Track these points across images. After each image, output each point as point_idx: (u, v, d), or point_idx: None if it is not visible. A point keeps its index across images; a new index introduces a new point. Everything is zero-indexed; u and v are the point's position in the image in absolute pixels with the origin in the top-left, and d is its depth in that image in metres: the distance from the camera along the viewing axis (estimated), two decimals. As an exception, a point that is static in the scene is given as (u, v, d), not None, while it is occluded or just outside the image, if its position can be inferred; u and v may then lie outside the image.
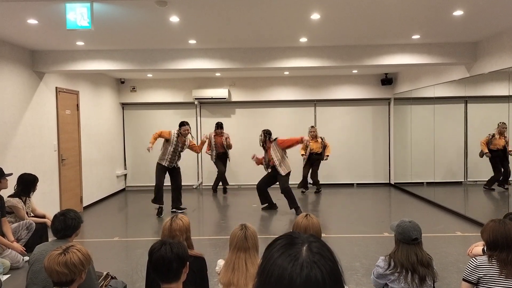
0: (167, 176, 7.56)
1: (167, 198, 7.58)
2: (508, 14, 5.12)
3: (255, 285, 0.92)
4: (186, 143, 7.50)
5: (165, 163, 7.40)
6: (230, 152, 9.36)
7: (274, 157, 7.35)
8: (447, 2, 4.59)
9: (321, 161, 9.20)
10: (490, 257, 2.69)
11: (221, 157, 9.23)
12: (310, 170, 9.23)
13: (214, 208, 7.79)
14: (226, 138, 9.17)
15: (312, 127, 9.33)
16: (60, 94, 7.49)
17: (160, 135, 7.40)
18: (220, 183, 9.37)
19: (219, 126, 9.21)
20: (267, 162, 7.54)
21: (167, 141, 7.40)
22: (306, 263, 0.86)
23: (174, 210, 7.52)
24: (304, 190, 9.41)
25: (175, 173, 7.58)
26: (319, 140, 9.16)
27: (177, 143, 7.40)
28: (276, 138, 7.46)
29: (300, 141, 7.32)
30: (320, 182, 9.41)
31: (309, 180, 9.31)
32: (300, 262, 0.87)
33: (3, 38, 5.93)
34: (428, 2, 4.58)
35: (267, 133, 7.51)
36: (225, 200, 8.99)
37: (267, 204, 7.75)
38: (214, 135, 9.19)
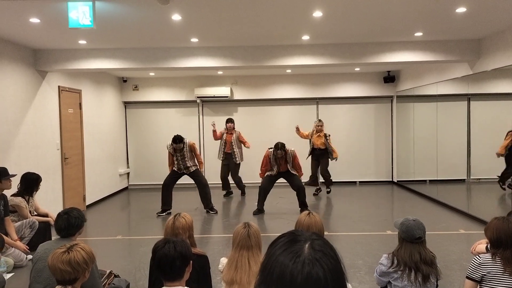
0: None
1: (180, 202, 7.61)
2: (511, 11, 5.09)
3: (257, 282, 0.92)
4: (184, 152, 7.37)
5: (175, 168, 7.49)
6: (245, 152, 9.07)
7: (288, 166, 7.32)
8: (450, -1, 4.57)
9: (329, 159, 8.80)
10: (493, 255, 2.68)
11: (227, 158, 8.88)
12: (319, 167, 8.88)
13: (217, 206, 7.79)
14: (237, 136, 8.83)
15: (319, 120, 8.88)
16: (62, 93, 7.51)
17: (170, 158, 7.50)
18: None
19: (229, 121, 8.85)
20: (277, 169, 7.38)
21: (171, 152, 7.47)
22: (308, 261, 0.86)
23: (207, 210, 7.60)
24: (316, 192, 9.04)
25: (194, 177, 7.55)
26: (322, 135, 8.69)
27: (175, 153, 7.39)
28: (291, 149, 7.34)
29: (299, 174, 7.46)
30: (332, 180, 9.00)
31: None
32: (301, 260, 0.86)
33: (6, 37, 5.95)
34: (431, -1, 4.56)
35: (283, 147, 7.20)
36: (228, 198, 8.99)
37: (260, 207, 7.52)
38: (226, 133, 8.82)
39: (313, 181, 8.98)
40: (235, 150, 8.75)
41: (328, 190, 9.06)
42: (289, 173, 7.38)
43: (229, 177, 9.04)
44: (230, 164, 8.85)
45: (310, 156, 8.91)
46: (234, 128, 8.88)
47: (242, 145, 8.88)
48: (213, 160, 10.40)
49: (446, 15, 5.23)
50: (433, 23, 5.66)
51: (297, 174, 7.39)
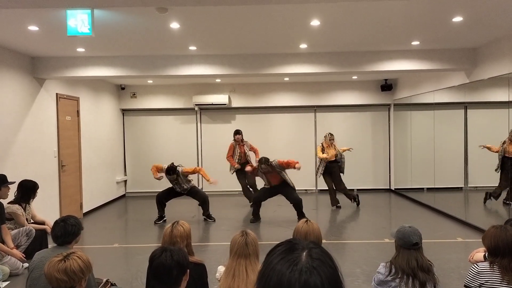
0: None
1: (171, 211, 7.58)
2: (507, 20, 5.13)
3: (255, 290, 0.92)
4: (179, 179, 7.36)
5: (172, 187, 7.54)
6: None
7: (282, 176, 7.27)
8: (446, 8, 4.61)
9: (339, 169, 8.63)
10: (491, 264, 2.67)
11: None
12: (333, 182, 8.63)
13: (215, 214, 7.77)
14: (250, 148, 8.80)
15: (330, 134, 8.63)
16: (60, 100, 7.51)
17: (157, 169, 7.53)
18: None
19: (237, 132, 8.75)
20: (269, 183, 7.41)
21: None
22: (305, 269, 0.86)
23: (204, 218, 7.63)
24: (338, 205, 8.66)
25: (193, 195, 7.61)
26: (334, 148, 8.55)
27: (171, 178, 7.39)
28: (274, 160, 7.29)
29: (294, 166, 7.20)
30: (349, 190, 8.76)
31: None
32: (299, 268, 0.86)
33: (4, 44, 5.95)
34: (428, 8, 4.60)
35: (267, 162, 7.21)
36: (225, 206, 8.95)
37: (254, 216, 7.49)
38: (238, 145, 8.69)
39: (334, 199, 8.66)
40: (249, 159, 8.73)
41: (357, 202, 8.75)
42: (285, 186, 7.29)
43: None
44: (247, 173, 8.72)
45: (322, 173, 8.60)
46: (242, 139, 8.76)
47: (254, 153, 8.85)
48: (210, 168, 10.38)
49: (442, 24, 5.27)
50: (430, 32, 5.70)
51: (292, 186, 7.31)
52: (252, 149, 8.91)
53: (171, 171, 7.24)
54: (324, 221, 7.54)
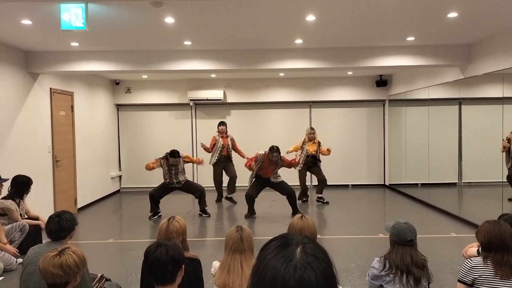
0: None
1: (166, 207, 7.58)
2: (501, 16, 5.15)
3: (249, 286, 0.92)
4: (178, 163, 7.41)
5: (166, 181, 7.46)
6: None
7: (273, 174, 7.33)
8: (441, 4, 4.61)
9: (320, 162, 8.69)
10: (485, 258, 2.69)
11: (225, 160, 8.72)
12: (310, 174, 8.78)
13: (210, 210, 7.77)
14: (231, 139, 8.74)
15: (311, 128, 8.75)
16: (54, 95, 7.46)
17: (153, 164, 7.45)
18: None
19: (221, 124, 8.74)
20: (256, 172, 7.40)
21: (161, 165, 7.43)
22: (299, 264, 0.86)
23: (199, 213, 7.62)
24: (305, 198, 8.75)
25: (188, 189, 7.58)
26: (317, 142, 8.58)
27: (168, 166, 7.39)
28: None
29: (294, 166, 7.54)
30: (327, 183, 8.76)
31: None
32: (293, 263, 0.86)
33: (-3, 38, 5.90)
34: (423, 4, 4.61)
35: (278, 150, 7.25)
36: (220, 202, 8.95)
37: (250, 211, 7.49)
38: (221, 137, 8.64)
39: (304, 193, 8.70)
40: (231, 153, 8.68)
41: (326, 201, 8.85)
42: (273, 182, 7.34)
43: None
44: (226, 166, 8.72)
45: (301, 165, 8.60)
46: (226, 131, 8.76)
47: (237, 153, 8.76)
48: (205, 164, 10.37)
49: (437, 20, 5.28)
50: (425, 28, 5.71)
51: (280, 180, 7.40)
52: (237, 150, 8.78)
53: (176, 154, 7.31)
54: (319, 217, 7.57)
